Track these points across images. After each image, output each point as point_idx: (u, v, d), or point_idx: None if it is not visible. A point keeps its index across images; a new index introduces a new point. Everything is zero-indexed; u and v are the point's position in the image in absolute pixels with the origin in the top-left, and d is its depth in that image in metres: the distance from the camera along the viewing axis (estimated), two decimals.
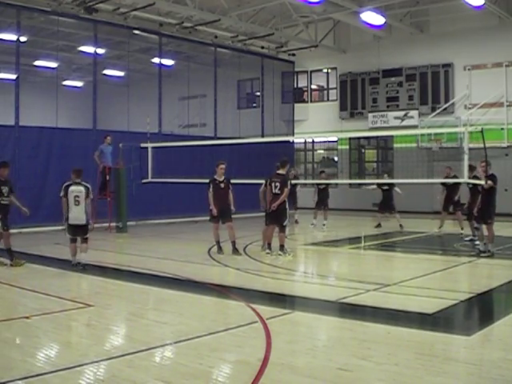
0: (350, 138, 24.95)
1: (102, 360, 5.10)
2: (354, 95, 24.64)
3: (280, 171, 11.62)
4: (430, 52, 22.42)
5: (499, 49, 20.92)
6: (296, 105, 25.90)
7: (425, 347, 5.47)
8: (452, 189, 14.74)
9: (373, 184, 18.41)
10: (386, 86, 23.68)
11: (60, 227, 16.11)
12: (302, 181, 21.36)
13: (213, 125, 21.94)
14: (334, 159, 26.85)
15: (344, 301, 7.49)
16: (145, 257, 11.41)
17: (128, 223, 16.53)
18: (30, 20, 19.22)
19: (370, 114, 23.87)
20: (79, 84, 27.53)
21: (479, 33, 21.18)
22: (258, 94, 25.09)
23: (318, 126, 24.89)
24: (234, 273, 9.84)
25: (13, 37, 16.91)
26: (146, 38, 21.18)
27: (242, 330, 6.09)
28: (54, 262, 10.77)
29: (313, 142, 26.86)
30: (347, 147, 25.34)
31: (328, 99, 26.28)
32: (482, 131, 11.14)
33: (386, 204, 16.84)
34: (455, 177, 14.42)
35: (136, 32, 20.12)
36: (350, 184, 24.82)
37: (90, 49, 19.73)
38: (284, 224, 11.39)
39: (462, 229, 14.59)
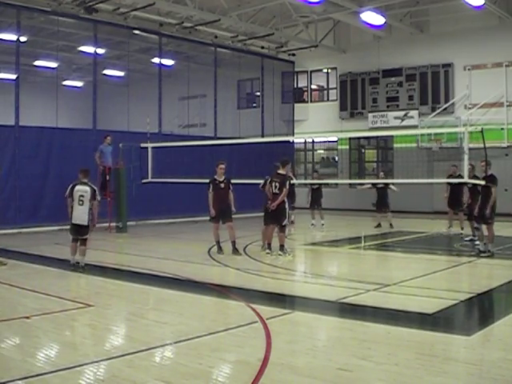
0: (349, 138, 24.95)
1: (101, 360, 5.10)
2: (354, 95, 24.64)
3: (280, 171, 11.62)
4: (430, 52, 22.42)
5: (499, 49, 20.93)
6: (296, 105, 25.90)
7: (425, 347, 5.47)
8: (457, 188, 14.62)
9: (366, 184, 18.40)
10: (386, 86, 23.68)
11: (59, 227, 16.31)
12: (295, 181, 21.30)
13: (213, 125, 21.94)
14: (334, 159, 26.85)
15: (344, 301, 7.49)
16: (145, 257, 11.41)
17: (128, 223, 16.53)
18: (29, 20, 19.22)
19: (370, 114, 23.87)
20: (79, 84, 27.54)
21: (479, 33, 21.18)
22: (258, 94, 25.08)
23: (317, 126, 24.89)
24: (233, 273, 9.84)
25: (13, 37, 16.90)
26: (146, 37, 21.19)
27: (242, 330, 6.09)
28: (54, 262, 10.76)
29: (313, 142, 26.86)
30: (347, 147, 25.34)
31: (328, 99, 26.28)
32: (482, 131, 11.14)
33: (380, 202, 16.87)
34: (460, 176, 14.31)
35: (136, 32, 20.12)
36: (350, 184, 24.83)
37: (90, 49, 19.72)
38: (284, 224, 11.39)
39: (462, 229, 14.60)
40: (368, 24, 20.84)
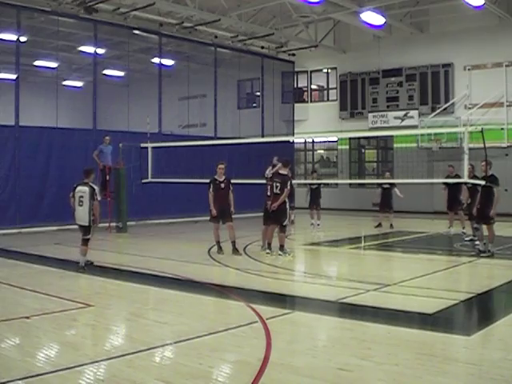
0: (349, 138, 24.97)
1: (102, 360, 5.10)
2: (354, 95, 24.64)
3: (282, 171, 11.62)
4: (430, 52, 22.43)
5: (499, 49, 20.94)
6: (296, 105, 25.90)
7: (425, 347, 5.47)
8: (455, 188, 14.64)
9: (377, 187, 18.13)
10: (386, 86, 23.68)
11: (58, 227, 16.34)
12: (294, 181, 21.29)
13: (213, 125, 21.94)
14: (328, 158, 26.86)
15: (344, 301, 7.49)
16: (145, 257, 11.41)
17: (128, 223, 16.53)
18: (29, 20, 19.21)
19: (370, 114, 23.87)
20: (79, 84, 27.51)
21: (479, 33, 21.19)
22: (258, 94, 25.08)
23: (317, 126, 24.89)
24: (234, 273, 9.84)
25: (13, 37, 16.89)
26: (146, 37, 21.18)
27: (242, 330, 6.09)
28: (54, 262, 10.77)
29: (313, 141, 26.87)
30: (347, 147, 25.35)
31: (328, 99, 26.29)
32: (482, 131, 11.13)
33: (385, 203, 16.84)
34: (457, 176, 14.35)
35: (136, 32, 20.12)
36: (350, 184, 24.84)
37: (90, 49, 19.71)
38: (284, 224, 11.39)
39: (463, 228, 14.58)
40: (368, 24, 20.84)
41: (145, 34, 20.63)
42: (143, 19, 19.66)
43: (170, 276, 9.35)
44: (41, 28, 20.82)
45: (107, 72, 24.81)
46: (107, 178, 16.31)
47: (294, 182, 16.27)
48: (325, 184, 23.61)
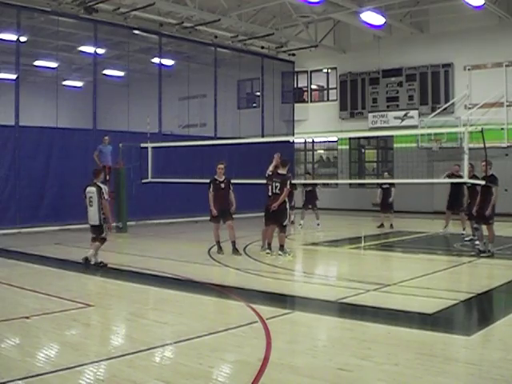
0: (349, 138, 24.96)
1: (101, 360, 5.10)
2: (354, 95, 24.64)
3: (281, 171, 11.61)
4: (430, 52, 22.43)
5: (499, 49, 20.93)
6: (296, 105, 25.91)
7: (425, 347, 5.47)
8: (457, 188, 14.57)
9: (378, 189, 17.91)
10: (386, 86, 23.68)
11: (59, 227, 16.36)
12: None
13: (213, 125, 21.94)
14: (328, 158, 26.87)
15: (344, 301, 7.49)
16: (145, 257, 11.40)
17: (128, 223, 16.53)
18: (29, 20, 19.21)
19: (370, 114, 23.87)
20: (79, 84, 27.53)
21: (479, 33, 21.18)
22: (258, 94, 25.09)
23: (317, 126, 24.89)
24: (234, 273, 9.84)
25: (13, 37, 16.89)
26: (146, 37, 21.19)
27: (242, 330, 6.09)
28: (54, 262, 10.78)
29: (313, 142, 26.87)
30: (347, 147, 25.35)
31: (328, 99, 26.28)
32: (481, 131, 11.13)
33: (385, 203, 16.77)
34: (460, 176, 14.28)
35: (136, 32, 20.13)
36: (350, 184, 24.84)
37: (90, 49, 19.72)
38: (284, 224, 11.38)
39: (463, 229, 14.57)
40: (368, 24, 20.84)
41: (145, 34, 20.64)
42: (143, 19, 19.66)
43: (170, 276, 9.35)
44: (41, 28, 20.82)
45: (107, 72, 24.82)
46: (107, 178, 16.30)
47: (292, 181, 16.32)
48: (324, 184, 23.65)
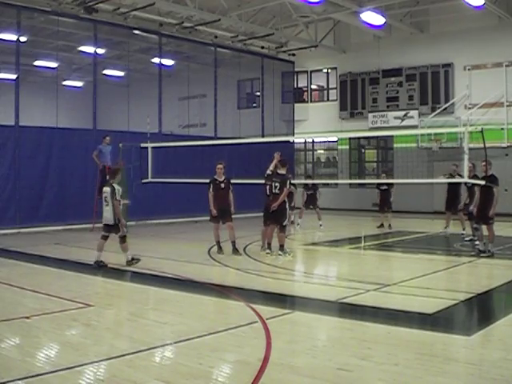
0: (349, 138, 24.97)
1: (101, 360, 5.10)
2: (354, 95, 24.64)
3: (280, 171, 11.61)
4: (430, 52, 22.43)
5: (499, 49, 20.93)
6: (296, 105, 25.91)
7: (425, 347, 5.47)
8: (454, 188, 14.60)
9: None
10: (386, 86, 23.68)
11: (63, 227, 16.39)
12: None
13: (213, 125, 21.93)
14: (332, 159, 26.86)
15: (344, 301, 7.49)
16: (145, 257, 11.37)
17: (128, 223, 16.47)
18: (29, 20, 19.21)
19: (370, 114, 23.87)
20: (79, 84, 27.54)
21: (479, 33, 21.18)
22: (258, 94, 25.09)
23: (318, 126, 24.90)
24: (234, 273, 9.84)
25: (13, 37, 16.89)
26: (146, 37, 21.19)
27: (242, 330, 6.09)
28: (54, 262, 10.77)
29: (313, 142, 26.87)
30: (347, 147, 25.36)
31: (328, 99, 26.28)
32: (481, 131, 11.13)
33: (384, 203, 16.72)
34: (459, 176, 14.30)
35: (136, 32, 20.13)
36: (350, 184, 24.84)
37: (90, 49, 19.72)
38: (284, 224, 11.38)
39: (463, 229, 14.57)
40: (368, 24, 20.83)
41: (145, 34, 20.64)
42: (143, 19, 19.66)
43: (170, 276, 9.35)
44: (41, 28, 20.84)
45: (107, 72, 24.83)
46: (107, 178, 16.27)
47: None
48: (324, 184, 23.65)
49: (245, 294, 7.89)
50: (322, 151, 27.78)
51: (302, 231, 16.37)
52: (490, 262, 10.70)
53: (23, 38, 18.45)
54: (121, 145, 16.55)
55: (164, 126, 19.98)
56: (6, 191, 15.89)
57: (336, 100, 25.44)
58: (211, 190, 11.62)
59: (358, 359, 5.10)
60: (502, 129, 20.85)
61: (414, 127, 21.80)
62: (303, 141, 27.04)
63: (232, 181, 11.85)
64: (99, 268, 10.01)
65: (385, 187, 16.63)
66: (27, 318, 6.50)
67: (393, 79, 23.51)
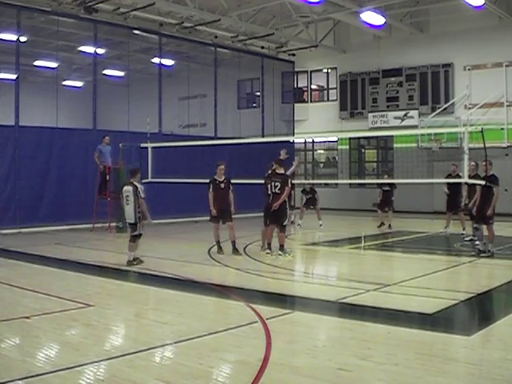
0: (349, 138, 24.97)
1: (101, 360, 5.10)
2: (354, 95, 24.65)
3: (280, 171, 11.60)
4: (430, 52, 22.43)
5: (499, 49, 20.94)
6: (296, 105, 25.89)
7: (425, 347, 5.47)
8: (455, 188, 14.59)
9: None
10: (386, 86, 23.69)
11: (68, 227, 16.40)
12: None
13: (213, 125, 21.93)
14: (332, 159, 26.86)
15: (344, 301, 7.49)
16: (145, 257, 11.36)
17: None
18: (29, 20, 19.19)
19: (370, 114, 23.87)
20: (79, 84, 27.53)
21: (479, 33, 21.19)
22: (258, 94, 25.08)
23: (317, 126, 24.89)
24: (234, 273, 9.84)
25: (13, 37, 16.88)
26: (146, 37, 21.18)
27: (242, 330, 6.09)
28: (54, 262, 10.77)
29: (313, 142, 26.88)
30: (347, 147, 25.36)
31: (328, 99, 26.29)
32: (481, 131, 11.13)
33: (385, 203, 16.68)
34: (458, 176, 14.31)
35: (136, 32, 20.12)
36: (350, 184, 24.84)
37: (90, 49, 19.71)
38: (284, 224, 11.38)
39: (463, 229, 14.57)
40: (368, 24, 20.84)
41: (145, 34, 20.63)
42: (143, 19, 19.66)
43: (170, 276, 9.34)
44: (41, 28, 20.82)
45: (107, 72, 24.81)
46: (107, 178, 16.31)
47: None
48: (324, 184, 23.64)
49: (245, 294, 7.89)
50: (322, 151, 27.80)
51: (301, 231, 16.36)
52: (490, 262, 10.70)
53: (23, 38, 18.44)
54: (121, 145, 16.55)
55: (164, 126, 19.97)
56: (6, 191, 15.89)
57: (336, 100, 25.45)
58: (211, 190, 11.62)
59: (358, 359, 5.10)
60: (502, 129, 20.85)
61: (414, 127, 21.81)
62: (303, 141, 27.04)
63: (232, 181, 11.85)
64: (133, 266, 10.13)
65: (387, 188, 16.59)
66: (27, 317, 6.50)
67: (393, 79, 23.51)
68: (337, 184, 24.81)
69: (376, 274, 9.69)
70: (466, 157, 11.60)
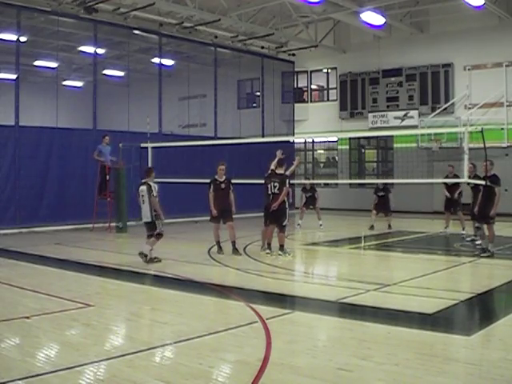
0: (349, 138, 24.98)
1: (101, 360, 5.10)
2: (354, 95, 24.65)
3: (279, 171, 11.61)
4: (430, 52, 22.44)
5: (499, 49, 20.95)
6: (296, 105, 25.89)
7: (425, 347, 5.47)
8: (452, 189, 14.67)
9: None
10: (386, 86, 23.69)
11: (69, 227, 16.41)
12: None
13: (213, 125, 21.93)
14: (331, 159, 26.86)
15: (344, 301, 7.49)
16: None
17: (128, 223, 16.50)
18: (30, 20, 19.19)
19: (370, 114, 23.88)
20: (79, 84, 27.52)
21: (479, 33, 21.19)
22: (258, 94, 25.08)
23: (317, 126, 24.90)
24: (234, 273, 9.84)
25: (13, 37, 16.88)
26: (146, 37, 21.18)
27: (242, 330, 6.08)
28: (54, 262, 10.77)
29: (313, 142, 26.88)
30: (347, 147, 25.36)
31: (328, 99, 26.29)
32: (482, 131, 11.13)
33: (381, 206, 16.58)
34: (456, 176, 14.37)
35: (136, 32, 20.12)
36: (350, 184, 24.84)
37: (90, 49, 19.71)
38: (284, 224, 11.38)
39: (463, 229, 14.57)
40: (368, 24, 20.84)
41: (145, 34, 20.63)
42: (143, 19, 19.66)
43: (170, 276, 9.34)
44: (41, 28, 20.81)
45: (107, 72, 24.81)
46: (107, 177, 16.31)
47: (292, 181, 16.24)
48: (324, 184, 23.61)
49: (245, 293, 7.89)
50: (321, 151, 27.79)
51: (302, 231, 16.36)
52: (490, 262, 10.70)
53: (23, 38, 18.44)
54: (121, 145, 16.55)
55: (164, 126, 19.97)
56: (6, 191, 15.89)
57: (336, 100, 25.45)
58: (211, 190, 11.62)
59: (358, 359, 5.10)
60: (502, 129, 20.86)
61: (414, 127, 21.81)
62: (303, 141, 27.04)
63: (232, 181, 11.85)
64: (153, 263, 10.26)
65: (382, 193, 16.52)
66: (27, 317, 6.50)
67: (393, 79, 23.52)
68: (337, 184, 24.81)
69: (376, 273, 9.69)
70: (466, 157, 11.60)
